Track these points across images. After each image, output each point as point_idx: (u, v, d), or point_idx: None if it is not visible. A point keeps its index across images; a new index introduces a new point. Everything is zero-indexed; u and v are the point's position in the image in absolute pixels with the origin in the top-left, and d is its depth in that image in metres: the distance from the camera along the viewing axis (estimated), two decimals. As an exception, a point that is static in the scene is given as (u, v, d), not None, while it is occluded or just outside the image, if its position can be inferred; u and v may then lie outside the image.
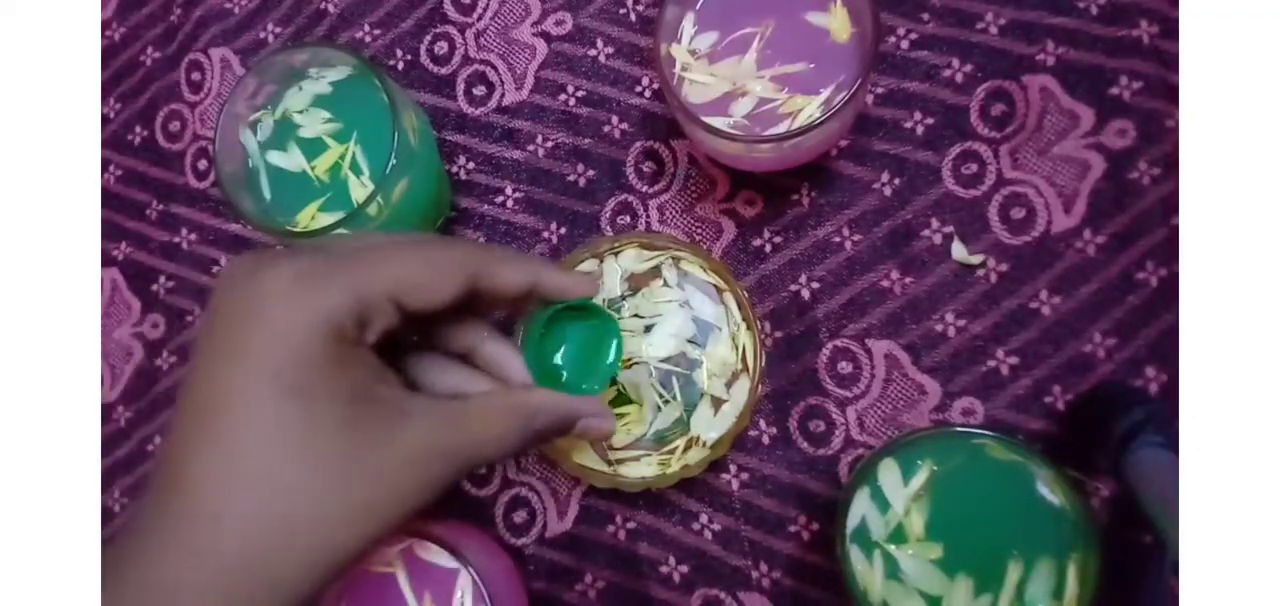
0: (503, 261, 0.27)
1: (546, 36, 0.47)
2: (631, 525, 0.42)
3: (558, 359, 0.32)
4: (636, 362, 0.37)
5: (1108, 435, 0.34)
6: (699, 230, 0.44)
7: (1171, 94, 0.40)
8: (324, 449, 0.23)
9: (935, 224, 0.42)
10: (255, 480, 0.22)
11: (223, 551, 0.22)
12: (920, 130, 0.42)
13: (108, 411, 0.49)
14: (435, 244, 0.26)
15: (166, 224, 0.51)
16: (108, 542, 0.23)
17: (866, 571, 0.33)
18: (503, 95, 0.47)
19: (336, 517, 0.23)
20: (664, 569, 0.42)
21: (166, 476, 0.23)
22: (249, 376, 0.22)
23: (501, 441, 0.27)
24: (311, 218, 0.39)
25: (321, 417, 0.23)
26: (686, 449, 0.37)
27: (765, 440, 0.42)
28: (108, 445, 0.49)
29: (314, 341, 0.23)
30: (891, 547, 0.33)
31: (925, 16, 0.43)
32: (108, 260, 0.51)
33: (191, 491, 0.22)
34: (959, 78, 0.42)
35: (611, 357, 0.31)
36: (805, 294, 0.42)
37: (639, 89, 0.46)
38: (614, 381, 0.36)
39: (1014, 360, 0.40)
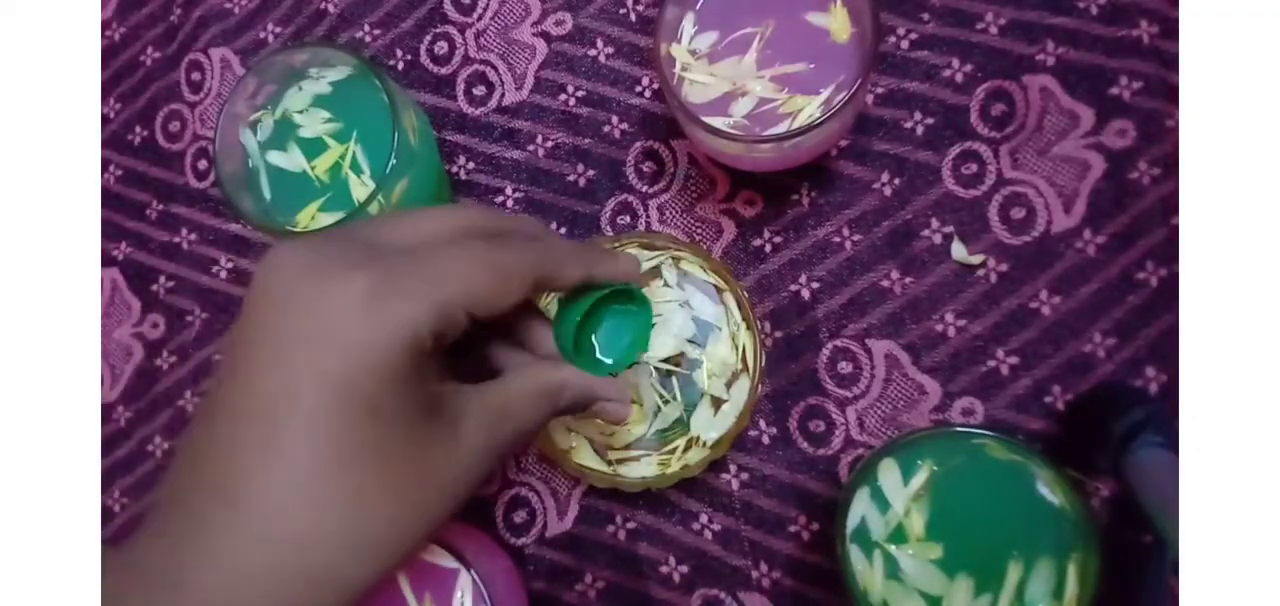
0: (564, 261, 0.27)
1: (546, 36, 0.47)
2: (631, 525, 0.42)
3: (593, 337, 0.32)
4: (637, 362, 0.37)
5: (1108, 435, 0.34)
6: (699, 230, 0.44)
7: (1171, 94, 0.40)
8: (390, 464, 0.22)
9: (935, 224, 0.42)
10: (323, 502, 0.21)
11: (278, 568, 0.21)
12: (920, 130, 0.42)
13: (108, 411, 0.49)
14: (503, 250, 0.25)
15: (166, 224, 0.51)
16: (108, 543, 0.23)
17: (866, 571, 0.33)
18: (503, 95, 0.47)
19: (396, 527, 0.22)
20: (664, 569, 0.42)
21: (212, 481, 0.22)
22: (318, 390, 0.21)
23: (534, 419, 0.27)
24: (311, 217, 0.39)
25: (392, 435, 0.22)
26: (686, 449, 0.37)
27: (765, 440, 0.42)
28: (108, 445, 0.49)
29: (392, 359, 0.22)
30: (891, 547, 0.33)
31: (925, 16, 0.43)
32: (108, 260, 0.51)
33: (247, 504, 0.21)
34: (959, 78, 0.42)
35: (630, 340, 0.31)
36: (805, 294, 0.42)
37: (639, 89, 0.46)
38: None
39: (1014, 360, 0.40)
